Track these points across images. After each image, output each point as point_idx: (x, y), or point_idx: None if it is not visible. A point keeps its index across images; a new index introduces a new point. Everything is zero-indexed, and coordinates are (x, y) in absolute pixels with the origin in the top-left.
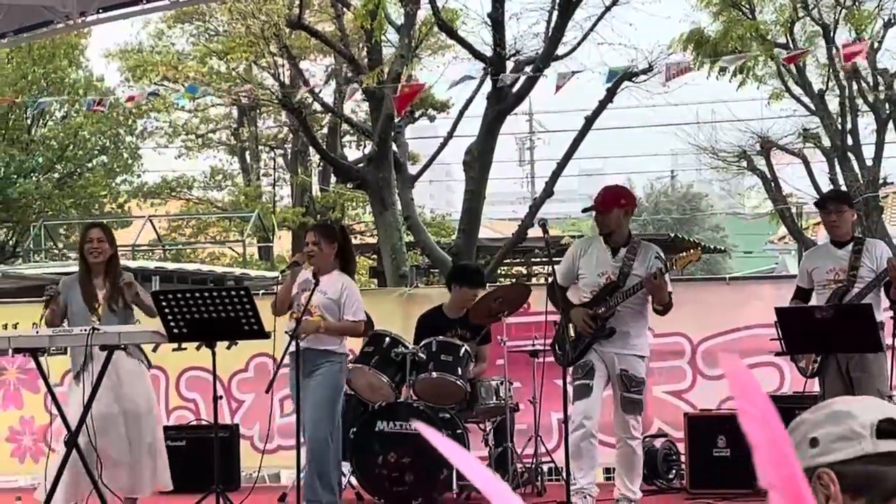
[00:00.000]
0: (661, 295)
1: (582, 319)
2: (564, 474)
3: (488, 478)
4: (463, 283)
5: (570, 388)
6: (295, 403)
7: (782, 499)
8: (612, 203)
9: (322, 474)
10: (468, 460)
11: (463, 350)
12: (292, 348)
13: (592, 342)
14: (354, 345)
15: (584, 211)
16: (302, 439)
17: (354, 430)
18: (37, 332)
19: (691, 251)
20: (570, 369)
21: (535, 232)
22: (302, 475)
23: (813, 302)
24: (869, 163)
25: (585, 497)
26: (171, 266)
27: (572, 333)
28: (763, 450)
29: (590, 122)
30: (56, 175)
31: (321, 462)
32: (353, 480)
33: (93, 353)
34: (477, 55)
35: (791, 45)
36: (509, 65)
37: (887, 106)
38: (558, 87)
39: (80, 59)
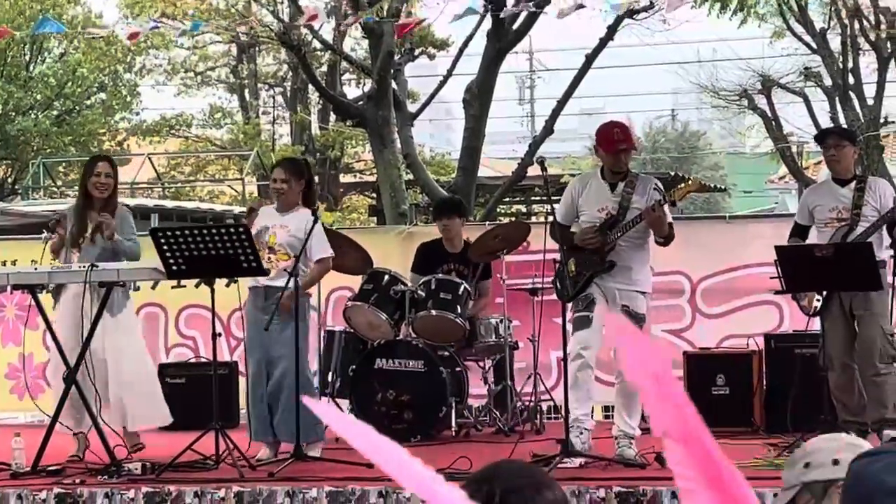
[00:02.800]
0: (660, 227)
1: (587, 236)
2: (563, 412)
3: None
4: (439, 215)
5: (569, 324)
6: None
7: (679, 444)
8: (632, 139)
9: (289, 412)
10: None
11: (462, 288)
12: (252, 283)
13: (593, 276)
14: (354, 283)
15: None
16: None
17: (353, 367)
18: (35, 269)
19: (689, 182)
20: (570, 304)
21: (534, 170)
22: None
23: (812, 239)
24: (870, 102)
25: (581, 431)
26: (170, 204)
27: (573, 269)
28: (654, 400)
29: (590, 60)
30: (54, 112)
31: (289, 409)
32: (352, 418)
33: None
34: None
35: None
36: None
37: (889, 45)
38: (561, 14)
39: None
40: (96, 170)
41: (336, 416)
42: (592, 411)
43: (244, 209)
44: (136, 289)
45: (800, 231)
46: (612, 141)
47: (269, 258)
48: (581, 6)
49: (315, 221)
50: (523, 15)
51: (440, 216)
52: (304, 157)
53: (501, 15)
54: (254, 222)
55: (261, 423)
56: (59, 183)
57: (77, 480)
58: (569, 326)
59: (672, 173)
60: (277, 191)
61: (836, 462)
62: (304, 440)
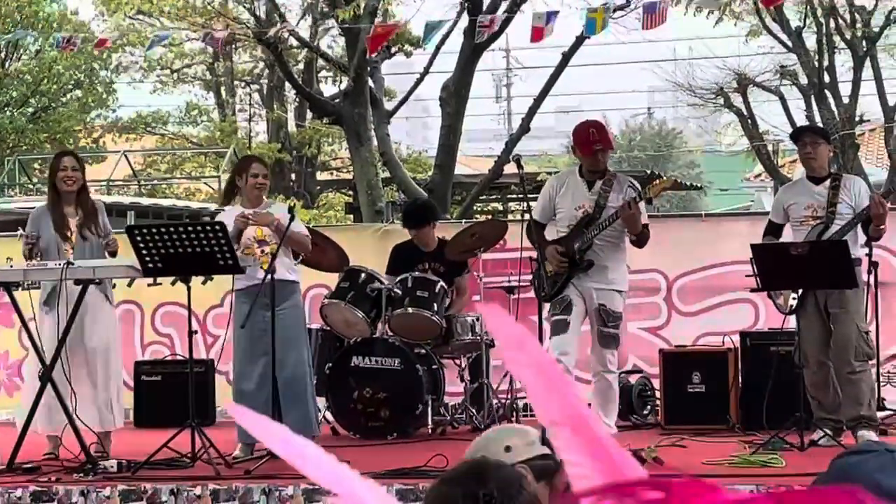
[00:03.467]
0: (634, 225)
1: (553, 256)
2: None
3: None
4: (408, 225)
5: (546, 324)
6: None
7: (566, 432)
8: (610, 139)
9: (306, 412)
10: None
11: (439, 286)
12: (247, 281)
13: (570, 277)
14: (330, 281)
15: (587, 154)
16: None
17: (330, 365)
18: (11, 266)
19: (664, 178)
20: (547, 305)
21: (511, 168)
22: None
23: (787, 238)
24: (845, 100)
25: None
26: (146, 201)
27: (549, 269)
28: (537, 391)
29: (566, 58)
30: (30, 109)
31: (304, 400)
32: (329, 416)
33: (66, 284)
34: None
35: None
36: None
37: (864, 43)
38: (535, 31)
39: None
40: (62, 164)
41: (253, 421)
42: None
43: (221, 207)
44: (113, 286)
45: (774, 229)
46: (589, 142)
47: (263, 250)
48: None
49: (292, 219)
50: (500, 13)
51: (409, 226)
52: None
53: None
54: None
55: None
56: (35, 180)
57: (53, 478)
58: (546, 326)
59: (648, 171)
60: (261, 186)
61: (508, 448)
62: (307, 435)
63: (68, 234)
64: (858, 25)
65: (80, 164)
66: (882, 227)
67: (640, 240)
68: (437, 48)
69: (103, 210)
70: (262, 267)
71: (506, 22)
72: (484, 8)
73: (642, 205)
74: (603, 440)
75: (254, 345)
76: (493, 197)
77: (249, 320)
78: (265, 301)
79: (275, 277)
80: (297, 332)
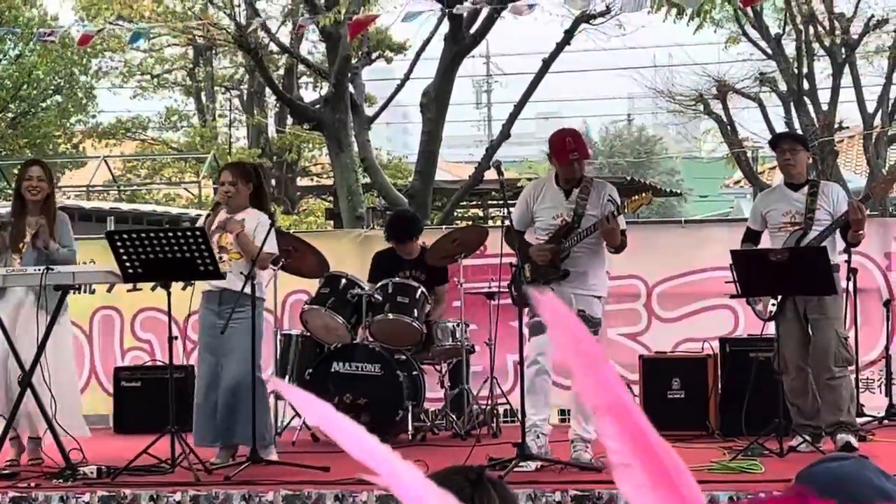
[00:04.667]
0: (613, 238)
1: (539, 253)
2: (520, 416)
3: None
4: (396, 240)
5: (525, 329)
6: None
7: (608, 418)
8: (587, 148)
9: (246, 414)
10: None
11: (419, 292)
12: (207, 287)
13: (549, 283)
14: (310, 287)
15: (563, 163)
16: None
17: (310, 371)
18: None
19: (643, 194)
20: (527, 310)
21: (491, 174)
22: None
23: (765, 244)
24: (825, 107)
25: (538, 436)
26: (126, 207)
27: (528, 275)
28: (583, 376)
29: (547, 64)
30: (10, 115)
31: (252, 409)
32: (308, 422)
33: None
34: None
35: None
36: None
37: (843, 50)
38: (515, 10)
39: None
40: (28, 174)
41: (305, 400)
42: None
43: (201, 212)
44: (92, 291)
45: (752, 236)
46: (566, 150)
47: (221, 257)
48: (533, 5)
49: (271, 226)
50: (481, 18)
51: (408, 239)
52: (257, 162)
53: (455, 11)
54: (216, 218)
55: (209, 427)
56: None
57: (32, 484)
58: (525, 330)
59: (628, 178)
60: (226, 192)
61: None
62: (259, 443)
63: (21, 245)
64: (837, 32)
65: (48, 175)
66: (861, 232)
67: (618, 249)
68: (418, 54)
69: (66, 222)
70: None
71: (486, 26)
72: (464, 15)
73: (622, 215)
74: (644, 429)
75: (205, 350)
76: (474, 203)
77: (205, 327)
78: (222, 310)
79: (225, 286)
80: (242, 343)
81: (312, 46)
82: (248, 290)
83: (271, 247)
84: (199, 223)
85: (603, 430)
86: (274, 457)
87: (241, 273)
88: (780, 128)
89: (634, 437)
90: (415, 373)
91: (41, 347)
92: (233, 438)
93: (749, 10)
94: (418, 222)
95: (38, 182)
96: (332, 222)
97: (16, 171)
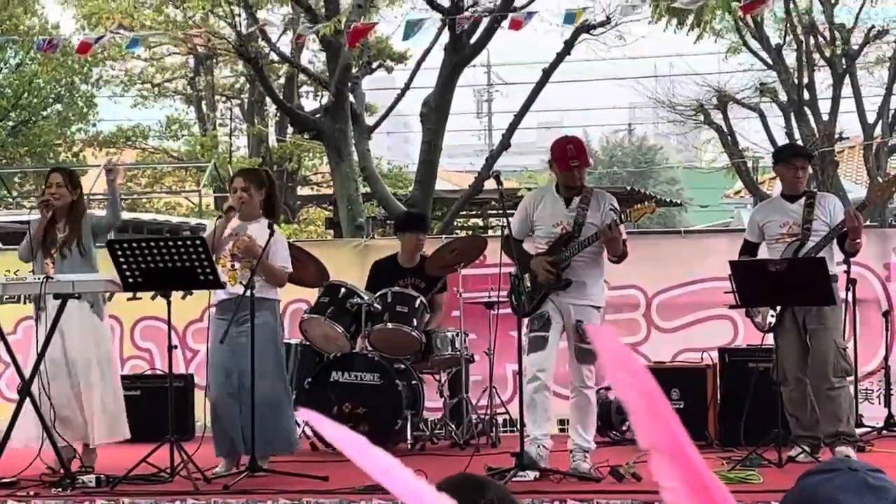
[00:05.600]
0: (615, 246)
1: (542, 268)
2: (519, 426)
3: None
4: (406, 228)
5: (525, 340)
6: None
7: (665, 458)
8: (587, 156)
9: (280, 428)
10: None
11: (418, 301)
12: (223, 296)
13: (549, 293)
14: (310, 296)
15: (563, 169)
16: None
17: (309, 380)
18: None
19: (646, 203)
20: (526, 320)
21: (491, 184)
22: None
23: (762, 256)
24: (825, 118)
25: (539, 447)
26: (126, 215)
27: (528, 284)
28: (641, 415)
29: (547, 74)
30: (10, 123)
31: (280, 415)
32: (308, 430)
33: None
34: (434, 5)
35: None
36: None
37: (843, 61)
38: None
39: (35, 6)
40: (48, 181)
41: (324, 423)
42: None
43: (202, 221)
44: (109, 298)
45: (749, 249)
46: (566, 157)
47: (234, 265)
48: (532, 14)
49: (271, 234)
50: (481, 28)
51: (416, 230)
52: (265, 168)
53: (457, 30)
54: (228, 224)
55: (235, 438)
56: (15, 194)
57: (31, 492)
58: (524, 341)
59: (629, 187)
60: (239, 199)
61: None
62: (282, 451)
63: (52, 251)
64: (838, 43)
65: (68, 181)
66: (858, 241)
67: (620, 258)
68: (418, 64)
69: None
70: (229, 282)
71: (486, 36)
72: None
73: (623, 225)
74: (700, 470)
75: (219, 359)
76: (474, 212)
77: (218, 336)
78: (236, 317)
79: (251, 294)
80: (264, 348)
81: (313, 55)
82: (270, 294)
83: (286, 259)
84: (209, 228)
85: (658, 468)
86: (266, 465)
87: (242, 283)
88: (781, 138)
89: (689, 478)
90: (414, 382)
91: (40, 357)
92: (263, 448)
93: (750, 20)
94: (427, 220)
95: (56, 189)
96: (331, 231)
97: (17, 180)
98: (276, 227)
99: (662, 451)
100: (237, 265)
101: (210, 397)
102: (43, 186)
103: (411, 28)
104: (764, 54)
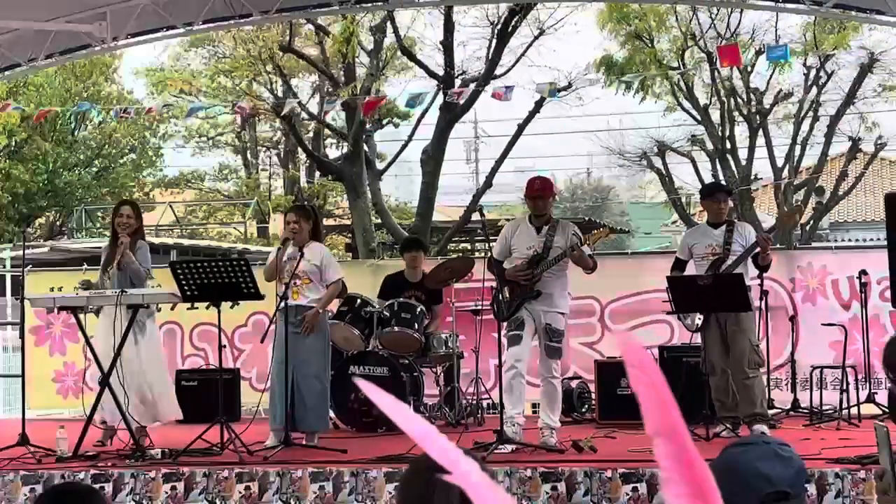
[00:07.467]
0: (584, 263)
1: (518, 272)
2: (499, 409)
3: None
4: (408, 248)
5: (504, 339)
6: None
7: (666, 444)
8: (551, 189)
9: (316, 406)
10: (401, 411)
11: (419, 309)
12: (281, 306)
13: (523, 302)
14: (333, 306)
15: (528, 196)
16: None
17: (333, 373)
18: (77, 294)
19: (601, 229)
20: (505, 324)
21: (477, 216)
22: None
23: (690, 271)
24: (743, 162)
25: (514, 425)
26: (186, 242)
27: (507, 295)
28: (650, 405)
29: (521, 128)
30: (94, 169)
31: (321, 398)
32: (332, 413)
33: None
34: (432, 74)
35: (681, 68)
36: (458, 82)
37: (758, 117)
38: (495, 96)
39: (114, 76)
40: (119, 212)
41: (380, 394)
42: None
43: (247, 246)
44: (158, 310)
45: (679, 265)
46: (532, 189)
47: (295, 283)
48: (511, 88)
49: (326, 251)
50: (469, 92)
51: (414, 249)
52: (311, 204)
53: (448, 98)
54: (285, 251)
55: (281, 416)
56: (98, 225)
57: (109, 463)
58: (503, 340)
59: (587, 218)
60: (292, 230)
61: None
62: (321, 429)
63: (109, 268)
64: (753, 103)
65: (136, 212)
66: (768, 255)
67: (592, 269)
68: (419, 120)
69: (145, 248)
70: (292, 297)
71: (473, 98)
72: (456, 86)
73: (585, 246)
74: (690, 452)
75: (282, 354)
76: (464, 239)
77: (282, 335)
78: (297, 321)
79: (300, 304)
80: (314, 346)
81: (335, 114)
82: (314, 303)
83: (338, 271)
84: (271, 256)
85: (659, 451)
86: (316, 441)
87: (306, 295)
88: (708, 179)
89: (680, 456)
90: (415, 374)
91: (117, 355)
92: (302, 424)
93: (682, 84)
94: (423, 240)
95: (127, 219)
96: (350, 254)
97: (99, 214)
98: (325, 251)
99: (663, 434)
100: (298, 282)
101: (272, 382)
102: (113, 214)
103: (413, 99)
104: (694, 112)
